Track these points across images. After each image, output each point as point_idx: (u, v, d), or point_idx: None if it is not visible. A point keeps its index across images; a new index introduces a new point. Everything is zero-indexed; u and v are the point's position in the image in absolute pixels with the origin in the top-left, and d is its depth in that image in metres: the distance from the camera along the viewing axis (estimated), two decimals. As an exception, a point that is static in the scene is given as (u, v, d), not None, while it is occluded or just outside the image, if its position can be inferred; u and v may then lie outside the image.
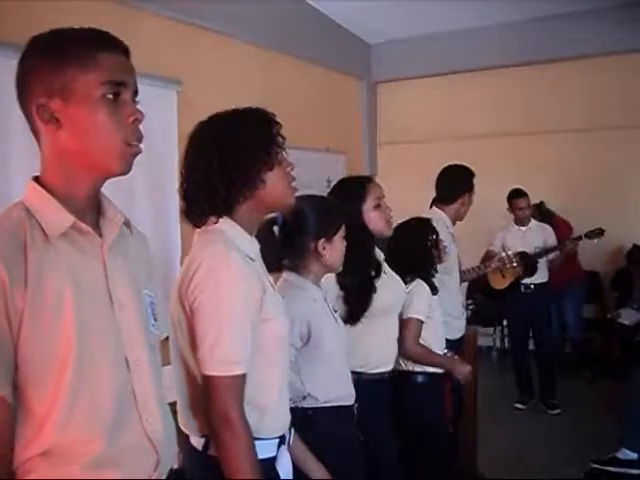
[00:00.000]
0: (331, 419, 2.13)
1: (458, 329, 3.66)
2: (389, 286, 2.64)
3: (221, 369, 1.51)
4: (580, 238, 5.29)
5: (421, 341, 2.99)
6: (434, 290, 3.09)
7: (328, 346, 2.12)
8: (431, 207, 3.94)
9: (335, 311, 2.28)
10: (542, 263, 5.40)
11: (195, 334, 1.54)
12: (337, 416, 2.14)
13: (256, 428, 1.58)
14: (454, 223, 3.82)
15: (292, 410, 2.04)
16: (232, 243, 1.59)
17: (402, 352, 2.95)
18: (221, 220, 1.63)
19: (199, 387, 1.57)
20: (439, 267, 3.42)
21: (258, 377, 1.60)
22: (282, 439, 1.72)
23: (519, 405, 5.57)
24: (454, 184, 3.80)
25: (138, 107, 1.27)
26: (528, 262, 5.24)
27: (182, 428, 1.68)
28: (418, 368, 3.02)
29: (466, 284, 6.85)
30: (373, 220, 2.61)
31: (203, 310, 1.53)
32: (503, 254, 4.57)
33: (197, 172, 1.63)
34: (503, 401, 5.64)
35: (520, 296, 5.47)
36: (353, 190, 2.63)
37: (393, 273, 2.79)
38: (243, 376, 1.54)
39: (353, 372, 2.47)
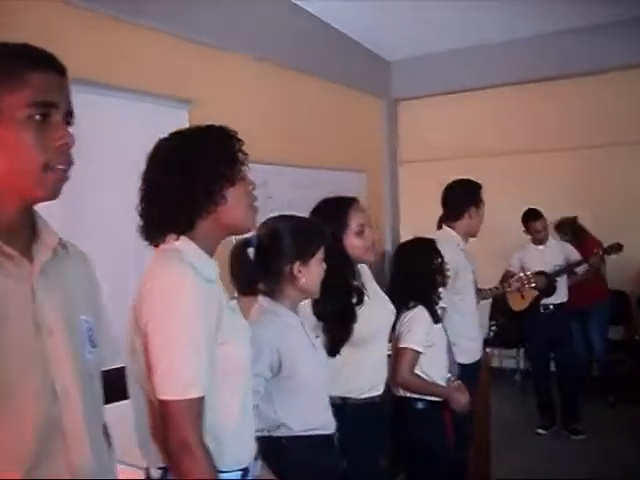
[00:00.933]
0: (306, 448, 2.04)
1: (471, 352, 3.53)
2: (373, 312, 2.50)
3: (176, 392, 1.44)
4: (598, 254, 5.12)
5: (420, 371, 2.89)
6: (436, 318, 2.95)
7: (304, 376, 2.03)
8: (440, 227, 3.85)
9: (317, 336, 2.19)
10: (561, 282, 5.25)
11: (150, 359, 1.47)
12: (313, 445, 2.05)
13: (214, 458, 1.49)
14: (466, 240, 3.70)
15: (265, 439, 1.97)
16: (188, 263, 1.52)
17: (395, 381, 2.87)
18: (180, 239, 1.57)
19: (159, 415, 1.50)
20: (450, 287, 3.34)
21: (213, 404, 1.52)
22: (245, 472, 1.62)
23: (541, 430, 5.37)
24: (459, 199, 3.68)
25: (69, 130, 1.21)
26: (547, 282, 5.09)
27: (142, 461, 1.60)
28: (416, 395, 2.91)
29: (488, 305, 6.75)
30: (353, 247, 2.49)
31: (156, 333, 1.46)
32: (522, 274, 4.43)
33: (157, 188, 1.58)
34: (525, 426, 5.46)
35: (540, 317, 5.31)
36: (336, 214, 2.51)
37: (381, 294, 2.68)
38: (200, 399, 1.47)
39: (339, 397, 2.41)
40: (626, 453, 4.56)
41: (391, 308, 2.67)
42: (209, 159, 1.57)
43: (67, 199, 1.34)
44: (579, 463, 4.65)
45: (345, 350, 2.40)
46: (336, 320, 2.38)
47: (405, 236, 5.44)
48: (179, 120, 4.66)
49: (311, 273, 2.07)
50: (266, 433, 2.01)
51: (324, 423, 2.11)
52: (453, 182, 3.77)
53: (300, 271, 2.05)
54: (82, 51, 3.94)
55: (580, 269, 5.27)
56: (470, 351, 3.53)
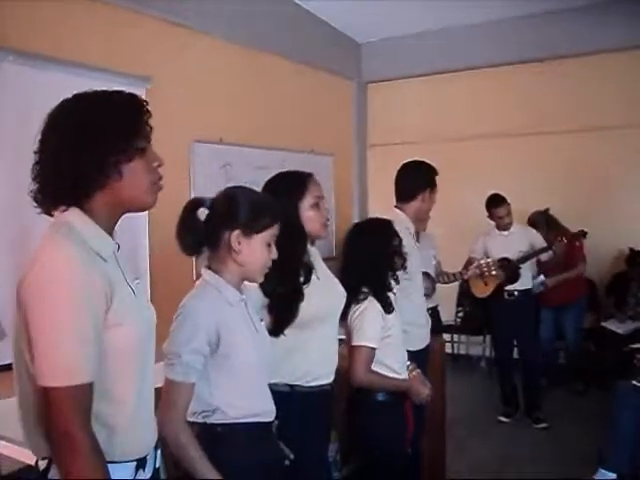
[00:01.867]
0: (244, 437, 1.93)
1: (421, 338, 3.41)
2: (322, 294, 2.40)
3: (57, 379, 1.32)
4: (562, 240, 5.06)
5: (377, 365, 2.75)
6: (388, 308, 2.80)
7: (242, 357, 1.91)
8: None
9: (261, 320, 2.08)
10: (525, 269, 5.18)
11: (31, 343, 1.36)
12: (250, 434, 1.94)
13: (105, 449, 1.38)
14: (416, 225, 3.57)
15: (200, 426, 1.89)
16: (78, 238, 1.41)
17: (352, 381, 2.73)
18: (69, 210, 1.45)
19: (42, 403, 1.37)
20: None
21: (105, 391, 1.41)
22: (141, 462, 1.51)
23: (503, 418, 5.30)
24: (413, 180, 3.53)
25: None
26: (510, 268, 5.02)
27: (32, 452, 1.48)
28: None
29: (455, 291, 6.70)
30: (309, 220, 2.39)
31: (36, 314, 1.34)
32: (482, 261, 4.37)
33: (47, 151, 1.44)
34: (488, 413, 5.39)
35: (503, 303, 5.23)
36: (291, 185, 2.41)
37: (331, 275, 2.57)
38: (86, 386, 1.35)
39: (287, 384, 2.32)
40: (585, 442, 4.50)
41: (341, 291, 2.55)
42: (104, 128, 1.43)
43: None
44: (538, 452, 4.61)
45: (290, 332, 2.30)
46: (283, 298, 2.28)
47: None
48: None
49: (252, 250, 1.94)
50: (200, 419, 1.91)
51: (263, 410, 2.00)
52: (407, 162, 3.64)
53: (240, 242, 1.93)
54: (28, 22, 3.79)
55: (544, 256, 5.20)
56: (420, 338, 3.41)
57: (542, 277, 5.51)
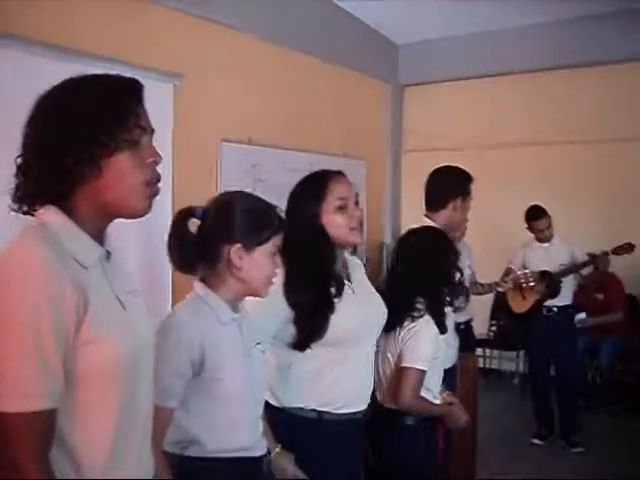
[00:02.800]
0: (226, 475, 1.71)
1: (450, 357, 3.17)
2: (357, 309, 2.16)
3: (9, 404, 1.12)
4: (607, 254, 4.81)
5: (423, 388, 2.52)
6: (443, 327, 2.55)
7: (228, 383, 1.69)
8: None
9: (257, 343, 1.85)
10: (566, 284, 4.91)
11: None
12: (233, 471, 1.71)
13: None
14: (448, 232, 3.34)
15: (179, 459, 1.67)
16: (50, 236, 1.20)
17: (398, 404, 2.50)
18: (44, 208, 1.24)
19: None
20: None
21: (75, 423, 1.20)
22: None
23: (536, 440, 5.02)
24: (444, 187, 3.26)
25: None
26: (550, 282, 4.76)
27: None
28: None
29: (489, 305, 6.43)
30: (333, 225, 2.12)
31: None
32: (519, 272, 4.13)
33: (24, 146, 1.25)
34: (520, 435, 5.12)
35: (542, 319, 4.97)
36: (310, 187, 2.18)
37: (372, 290, 2.34)
38: (44, 413, 1.14)
39: (313, 410, 2.10)
40: (623, 470, 4.22)
41: (381, 309, 2.30)
42: (79, 114, 1.22)
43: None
44: (574, 479, 4.33)
45: (319, 351, 2.08)
46: (309, 309, 2.05)
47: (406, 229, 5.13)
48: (163, 95, 4.39)
49: (255, 264, 1.73)
50: (178, 450, 1.69)
51: (249, 444, 1.76)
52: (438, 168, 3.38)
53: (241, 257, 1.72)
54: (57, 16, 3.67)
55: (585, 270, 4.95)
56: (448, 357, 3.20)
57: (583, 315, 5.29)
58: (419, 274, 2.57)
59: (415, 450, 2.55)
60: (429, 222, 3.18)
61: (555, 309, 4.93)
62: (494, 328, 6.63)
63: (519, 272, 4.13)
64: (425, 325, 2.51)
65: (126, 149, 1.25)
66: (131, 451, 1.31)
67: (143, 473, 1.35)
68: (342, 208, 2.14)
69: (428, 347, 2.49)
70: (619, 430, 5.20)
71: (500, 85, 6.68)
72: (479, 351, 6.29)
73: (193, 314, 1.70)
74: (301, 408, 2.06)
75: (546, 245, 4.99)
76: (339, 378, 2.12)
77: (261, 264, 1.75)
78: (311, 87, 5.80)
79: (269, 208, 1.82)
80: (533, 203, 5.01)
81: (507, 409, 5.82)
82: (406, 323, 2.52)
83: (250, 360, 1.78)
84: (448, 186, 3.27)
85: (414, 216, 6.09)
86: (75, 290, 1.17)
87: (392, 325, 2.47)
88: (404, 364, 2.48)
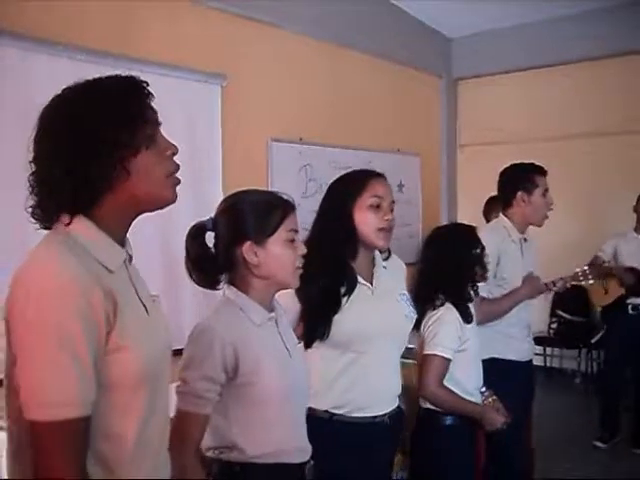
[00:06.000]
0: None
1: (525, 352, 3.22)
2: (373, 311, 2.11)
3: (43, 413, 1.12)
4: None
5: (451, 381, 2.49)
6: (467, 317, 2.55)
7: (267, 386, 1.64)
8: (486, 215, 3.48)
9: (299, 342, 1.84)
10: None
11: (17, 370, 1.16)
12: (274, 477, 1.67)
13: None
14: (523, 229, 3.29)
15: (219, 464, 1.66)
16: (78, 245, 1.21)
17: (421, 394, 2.48)
18: (75, 219, 1.23)
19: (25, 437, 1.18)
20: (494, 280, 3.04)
21: (102, 425, 1.20)
22: None
23: (599, 443, 4.81)
24: (504, 186, 3.33)
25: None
26: (637, 278, 4.58)
27: None
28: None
29: (550, 301, 6.22)
30: (361, 222, 2.09)
31: (21, 335, 1.14)
32: (577, 269, 3.94)
33: (41, 158, 1.23)
34: (581, 437, 4.93)
35: (625, 317, 4.78)
36: (350, 180, 2.16)
37: (395, 295, 2.26)
38: (79, 421, 1.14)
39: (325, 412, 2.08)
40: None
41: (402, 313, 2.23)
42: (99, 122, 1.21)
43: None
44: None
45: (331, 353, 2.07)
46: (313, 304, 2.03)
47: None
48: (211, 97, 4.41)
49: (270, 257, 1.68)
50: (216, 455, 1.67)
51: (291, 449, 1.71)
52: (507, 167, 3.40)
53: (255, 254, 1.67)
54: (103, 21, 3.71)
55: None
56: (522, 350, 3.20)
57: None
58: (438, 271, 2.59)
59: (452, 452, 2.50)
60: (504, 220, 3.29)
61: None
62: (554, 325, 6.44)
63: (577, 269, 3.93)
64: (446, 311, 2.53)
65: (146, 146, 1.25)
66: (149, 453, 1.31)
67: (163, 469, 1.36)
68: (375, 207, 2.11)
69: (448, 333, 2.49)
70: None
71: (553, 76, 6.46)
72: (539, 349, 6.13)
73: (223, 319, 1.68)
74: (314, 408, 2.01)
75: None
76: (350, 382, 2.09)
77: (278, 255, 1.69)
78: (362, 84, 5.74)
79: (269, 196, 1.77)
80: None
81: (568, 410, 5.63)
82: (427, 313, 2.54)
83: (291, 361, 1.74)
84: (507, 185, 3.33)
85: (472, 210, 6.03)
86: (105, 298, 1.18)
87: (418, 321, 2.44)
88: (425, 351, 2.49)
